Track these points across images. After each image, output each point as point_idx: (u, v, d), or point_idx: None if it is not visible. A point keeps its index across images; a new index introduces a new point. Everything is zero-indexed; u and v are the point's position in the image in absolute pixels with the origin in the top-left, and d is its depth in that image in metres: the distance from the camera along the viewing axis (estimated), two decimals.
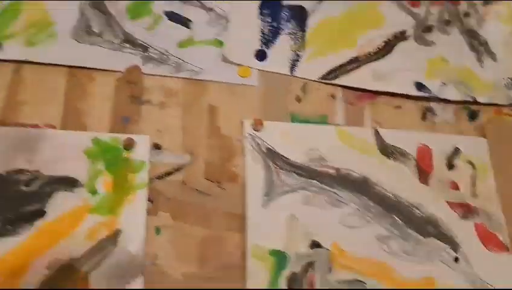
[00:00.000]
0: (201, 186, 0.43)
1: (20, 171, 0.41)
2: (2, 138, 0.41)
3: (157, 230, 0.41)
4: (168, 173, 0.43)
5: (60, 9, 0.49)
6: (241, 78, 0.50)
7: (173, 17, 0.51)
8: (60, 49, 0.46)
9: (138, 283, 0.38)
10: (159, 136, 0.45)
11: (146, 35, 0.49)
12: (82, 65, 0.46)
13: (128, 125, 0.45)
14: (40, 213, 0.39)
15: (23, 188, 0.40)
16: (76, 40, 0.47)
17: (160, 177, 0.43)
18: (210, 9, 0.52)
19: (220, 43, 0.50)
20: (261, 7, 0.53)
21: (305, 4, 0.54)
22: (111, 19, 0.49)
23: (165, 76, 0.48)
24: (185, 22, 0.51)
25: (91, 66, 0.47)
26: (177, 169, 0.44)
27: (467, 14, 0.57)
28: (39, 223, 0.39)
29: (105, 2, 0.50)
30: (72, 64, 0.47)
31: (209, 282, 0.40)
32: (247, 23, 0.52)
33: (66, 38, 0.47)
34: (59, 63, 0.46)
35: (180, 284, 0.39)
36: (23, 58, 0.45)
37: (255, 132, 0.46)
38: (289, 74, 0.51)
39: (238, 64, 0.50)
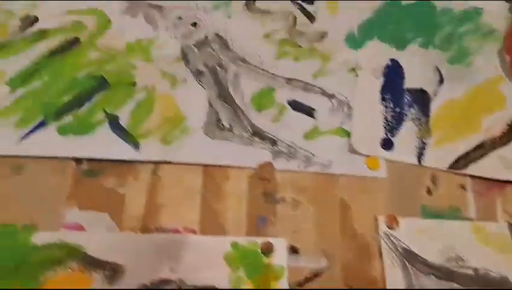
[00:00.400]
0: None
1: (165, 281, 0.40)
2: (146, 245, 0.41)
3: None
4: (307, 279, 0.42)
5: (190, 102, 0.47)
6: (370, 169, 0.48)
7: (296, 106, 0.50)
8: (195, 146, 0.46)
9: None
10: (294, 237, 0.44)
11: (273, 127, 0.48)
12: (216, 163, 0.46)
13: (264, 226, 0.43)
14: None
15: None
16: (208, 135, 0.47)
17: (300, 285, 0.42)
18: (332, 96, 0.51)
19: (345, 132, 0.49)
20: (383, 92, 0.51)
21: (426, 87, 0.52)
22: (238, 110, 0.48)
23: (295, 171, 0.46)
24: (308, 111, 0.50)
25: (225, 164, 0.46)
26: (316, 275, 0.43)
27: None
28: None
29: (232, 93, 0.49)
30: (207, 163, 0.45)
31: None
32: (369, 109, 0.51)
33: (199, 134, 0.47)
34: (195, 162, 0.45)
35: None
36: (161, 159, 0.45)
37: (389, 230, 0.44)
38: (417, 163, 0.49)
39: (366, 155, 0.48)
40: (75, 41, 0.49)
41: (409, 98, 0.52)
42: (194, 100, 0.48)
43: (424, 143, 0.50)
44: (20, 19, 0.50)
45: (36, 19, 0.50)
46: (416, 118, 0.52)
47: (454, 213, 0.48)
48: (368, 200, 0.47)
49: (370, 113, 0.51)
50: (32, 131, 0.45)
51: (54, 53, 0.48)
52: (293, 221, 0.45)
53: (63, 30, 0.50)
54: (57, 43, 0.49)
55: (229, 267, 0.42)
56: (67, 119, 0.46)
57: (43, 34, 0.49)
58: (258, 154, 0.47)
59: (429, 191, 0.48)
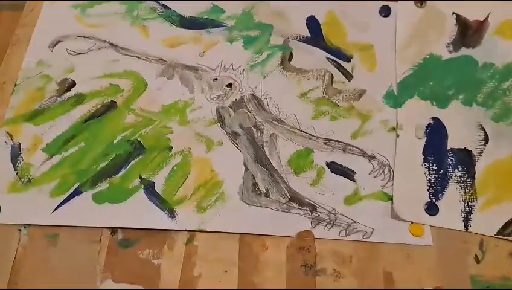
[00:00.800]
0: None
1: None
2: None
3: None
4: None
5: (226, 165, 0.46)
6: (414, 236, 0.45)
7: (335, 169, 0.48)
8: (231, 214, 0.45)
9: None
10: None
11: (311, 191, 0.46)
12: (253, 232, 0.44)
13: None
14: None
15: None
16: (245, 202, 0.45)
17: None
18: (372, 157, 0.48)
19: (386, 196, 0.47)
20: (425, 152, 0.49)
21: (470, 147, 0.49)
22: (275, 174, 0.47)
23: (336, 240, 0.44)
24: (347, 173, 0.47)
25: (262, 233, 0.44)
26: None
27: None
28: None
29: (268, 155, 0.47)
30: (243, 232, 0.43)
31: None
32: (412, 171, 0.48)
33: (235, 201, 0.45)
34: (231, 231, 0.43)
35: None
36: (196, 228, 0.43)
37: None
38: (464, 229, 0.46)
39: (410, 221, 0.45)
40: (112, 105, 0.49)
41: (453, 158, 0.50)
42: (230, 163, 0.47)
43: (470, 207, 0.48)
44: (57, 83, 0.49)
45: (73, 83, 0.49)
46: (461, 180, 0.49)
47: (506, 284, 0.44)
48: (413, 270, 0.45)
49: (412, 175, 0.49)
50: (68, 199, 0.44)
51: (91, 118, 0.48)
52: None
53: (99, 94, 0.50)
54: (93, 107, 0.48)
55: None
56: (103, 186, 0.45)
57: (80, 98, 0.49)
58: (296, 222, 0.45)
59: (477, 260, 0.45)
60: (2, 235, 0.42)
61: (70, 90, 0.50)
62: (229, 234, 0.44)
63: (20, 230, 0.43)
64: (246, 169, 0.47)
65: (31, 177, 0.45)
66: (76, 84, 0.50)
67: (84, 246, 0.42)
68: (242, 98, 0.51)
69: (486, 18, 0.56)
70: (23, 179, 0.44)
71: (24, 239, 0.42)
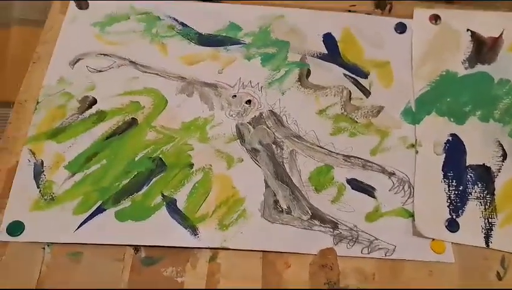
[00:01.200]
0: None
1: None
2: None
3: None
4: None
5: (247, 182, 0.46)
6: (436, 253, 0.45)
7: (356, 186, 0.48)
8: (253, 232, 0.45)
9: None
10: None
11: (333, 208, 0.46)
12: (276, 250, 0.44)
13: None
14: None
15: None
16: (267, 219, 0.45)
17: None
18: (392, 174, 0.49)
19: (407, 213, 0.47)
20: (444, 169, 0.49)
21: (488, 163, 0.49)
22: (296, 191, 0.47)
23: (358, 257, 0.44)
24: (368, 190, 0.48)
25: (285, 251, 0.44)
26: None
27: None
28: None
29: (288, 171, 0.47)
30: (266, 249, 0.43)
31: None
32: (432, 188, 0.49)
33: (257, 219, 0.45)
34: (254, 249, 0.43)
35: None
36: (219, 246, 0.43)
37: None
38: (485, 246, 0.46)
39: (431, 238, 0.45)
40: (133, 122, 0.49)
41: (472, 175, 0.50)
42: (250, 180, 0.48)
43: (490, 223, 0.48)
44: (78, 100, 0.50)
45: (94, 101, 0.50)
46: (480, 197, 0.49)
47: None
48: (436, 287, 0.44)
49: (433, 192, 0.49)
50: (91, 217, 0.44)
51: (112, 135, 0.48)
52: None
53: (120, 111, 0.50)
54: (114, 124, 0.49)
55: None
56: (126, 203, 0.45)
57: (101, 115, 0.49)
58: (318, 239, 0.46)
59: (499, 277, 0.45)
60: (26, 254, 0.42)
61: (91, 107, 0.50)
62: (251, 251, 0.44)
63: (43, 248, 0.42)
64: (267, 186, 0.47)
65: (53, 195, 0.45)
66: (97, 102, 0.50)
67: (108, 264, 0.42)
68: (261, 114, 0.51)
69: (501, 35, 0.56)
70: (45, 197, 0.44)
71: (48, 257, 0.42)
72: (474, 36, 0.57)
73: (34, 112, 0.49)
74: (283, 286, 0.43)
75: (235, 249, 0.44)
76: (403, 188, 0.49)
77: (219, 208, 0.46)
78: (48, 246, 0.43)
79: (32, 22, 0.55)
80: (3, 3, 0.57)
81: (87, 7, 0.55)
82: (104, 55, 0.53)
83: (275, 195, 0.47)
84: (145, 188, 0.46)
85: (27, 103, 0.49)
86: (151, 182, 0.46)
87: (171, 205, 0.45)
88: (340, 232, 0.45)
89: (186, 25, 0.55)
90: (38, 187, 0.45)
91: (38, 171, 0.45)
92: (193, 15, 0.56)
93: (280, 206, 0.46)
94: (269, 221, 0.45)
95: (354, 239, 0.45)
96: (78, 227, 0.43)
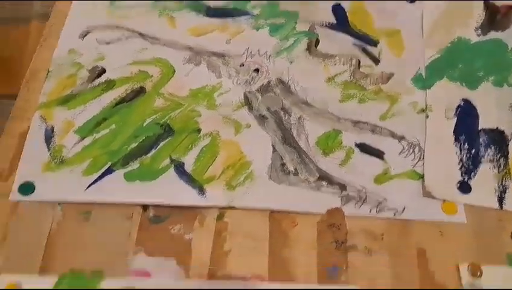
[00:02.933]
0: None
1: None
2: None
3: None
4: None
5: (255, 146, 0.49)
6: (447, 215, 0.47)
7: (365, 149, 0.50)
8: (260, 192, 0.47)
9: None
10: (370, 285, 0.43)
11: (340, 171, 0.49)
12: (283, 209, 0.46)
13: (336, 274, 0.43)
14: None
15: None
16: (274, 181, 0.48)
17: None
18: (401, 138, 0.51)
19: (417, 175, 0.49)
20: (456, 132, 0.51)
21: (502, 127, 0.51)
22: (303, 154, 0.49)
23: (367, 217, 0.46)
24: (377, 153, 0.50)
25: (292, 210, 0.46)
26: None
27: None
28: None
29: (296, 137, 0.50)
30: (273, 209, 0.46)
31: None
32: (443, 151, 0.51)
33: (264, 180, 0.48)
34: (261, 208, 0.46)
35: None
36: (226, 205, 0.46)
37: (473, 279, 0.43)
38: (498, 207, 0.47)
39: (442, 200, 0.47)
40: (141, 90, 0.53)
41: (484, 138, 0.52)
42: (258, 145, 0.50)
43: (504, 186, 0.50)
44: (88, 70, 0.54)
45: (103, 70, 0.54)
46: (494, 160, 0.51)
47: None
48: (447, 247, 0.46)
49: (444, 155, 0.51)
50: (100, 178, 0.47)
51: (121, 102, 0.52)
52: (368, 269, 0.45)
53: (129, 80, 0.53)
54: (123, 92, 0.52)
55: None
56: (134, 165, 0.48)
57: (110, 84, 0.53)
58: (326, 200, 0.48)
59: None
60: (37, 213, 0.46)
61: (100, 76, 0.54)
62: (258, 211, 0.47)
63: (54, 207, 0.46)
64: (274, 150, 0.50)
65: (63, 158, 0.48)
66: (107, 71, 0.54)
67: (117, 222, 0.46)
68: (269, 82, 0.54)
69: None
70: (56, 160, 0.48)
71: (58, 215, 0.46)
72: (487, 4, 0.59)
73: (44, 81, 0.53)
74: (290, 244, 0.45)
75: (242, 209, 0.46)
76: (413, 151, 0.51)
77: (226, 171, 0.48)
78: (59, 205, 0.46)
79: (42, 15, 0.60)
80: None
81: None
82: (114, 27, 0.57)
83: (282, 159, 0.50)
84: (153, 152, 0.49)
85: (38, 73, 0.54)
86: (159, 146, 0.49)
87: (179, 167, 0.48)
88: (348, 194, 0.48)
89: None
90: (48, 150, 0.48)
91: (48, 136, 0.49)
92: None
93: (287, 168, 0.49)
94: (276, 182, 0.48)
95: (362, 200, 0.48)
96: (88, 187, 0.47)
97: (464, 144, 0.51)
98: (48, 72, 0.53)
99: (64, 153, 0.48)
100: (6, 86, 0.55)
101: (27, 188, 0.46)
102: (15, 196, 0.46)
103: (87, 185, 0.47)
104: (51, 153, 0.48)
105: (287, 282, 0.44)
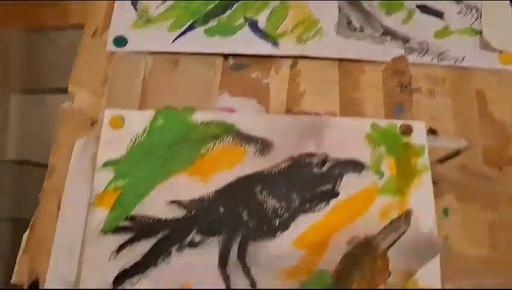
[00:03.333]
0: (483, 170, 0.47)
1: (311, 154, 0.46)
2: (292, 124, 0.47)
3: (445, 212, 0.44)
4: (448, 157, 0.46)
5: (321, 7, 0.54)
6: (503, 65, 0.51)
7: (425, 10, 0.54)
8: (329, 44, 0.52)
9: (435, 262, 0.43)
10: (432, 122, 0.48)
11: (403, 28, 0.53)
12: (350, 57, 0.52)
13: (402, 112, 0.48)
14: (334, 194, 0.45)
15: (315, 170, 0.45)
16: (340, 36, 0.53)
17: (441, 161, 0.46)
18: (460, 0, 0.55)
19: (476, 32, 0.53)
20: None
21: None
22: (368, 15, 0.54)
23: (429, 64, 0.51)
24: (437, 13, 0.54)
25: (358, 58, 0.52)
26: (456, 153, 0.47)
27: None
28: (333, 203, 0.45)
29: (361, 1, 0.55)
30: (341, 58, 0.51)
31: (503, 265, 0.42)
32: (500, 10, 0.54)
33: (331, 35, 0.53)
34: (330, 57, 0.51)
35: (474, 266, 0.42)
36: (298, 54, 0.51)
37: None
38: None
39: (499, 51, 0.52)
40: None
41: None
42: (325, 6, 0.55)
43: None
44: None
45: None
46: None
47: None
48: (504, 91, 0.51)
49: (500, 13, 0.55)
50: (183, 33, 0.53)
51: None
52: (430, 108, 0.50)
53: None
54: None
55: (370, 146, 0.47)
56: (213, 23, 0.54)
57: None
58: (390, 51, 0.53)
59: None
60: (132, 62, 0.52)
61: None
62: (328, 60, 0.52)
63: (146, 57, 0.52)
64: (340, 10, 0.55)
65: (149, 17, 0.54)
66: None
67: (202, 69, 0.52)
68: None
69: None
70: (142, 19, 0.54)
71: (150, 64, 0.52)
72: None
73: None
74: (359, 88, 0.51)
75: (314, 58, 0.52)
76: (471, 12, 0.55)
77: (296, 28, 0.54)
78: (150, 55, 0.52)
79: None
80: None
81: None
82: None
83: (348, 17, 0.54)
84: (228, 12, 0.54)
85: None
86: (234, 7, 0.55)
87: (253, 25, 0.54)
88: (411, 46, 0.53)
89: None
90: (135, 10, 0.54)
91: None
92: None
93: (353, 25, 0.54)
94: (343, 37, 0.53)
95: (424, 51, 0.53)
96: (174, 40, 0.53)
97: None
98: None
99: (150, 13, 0.54)
100: None
101: (120, 41, 0.53)
102: (111, 46, 0.52)
103: (173, 38, 0.52)
104: (138, 13, 0.54)
105: (357, 117, 0.49)
